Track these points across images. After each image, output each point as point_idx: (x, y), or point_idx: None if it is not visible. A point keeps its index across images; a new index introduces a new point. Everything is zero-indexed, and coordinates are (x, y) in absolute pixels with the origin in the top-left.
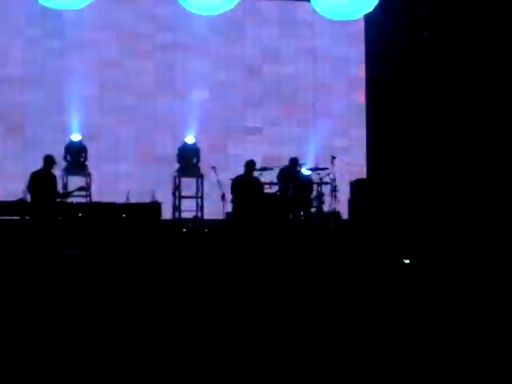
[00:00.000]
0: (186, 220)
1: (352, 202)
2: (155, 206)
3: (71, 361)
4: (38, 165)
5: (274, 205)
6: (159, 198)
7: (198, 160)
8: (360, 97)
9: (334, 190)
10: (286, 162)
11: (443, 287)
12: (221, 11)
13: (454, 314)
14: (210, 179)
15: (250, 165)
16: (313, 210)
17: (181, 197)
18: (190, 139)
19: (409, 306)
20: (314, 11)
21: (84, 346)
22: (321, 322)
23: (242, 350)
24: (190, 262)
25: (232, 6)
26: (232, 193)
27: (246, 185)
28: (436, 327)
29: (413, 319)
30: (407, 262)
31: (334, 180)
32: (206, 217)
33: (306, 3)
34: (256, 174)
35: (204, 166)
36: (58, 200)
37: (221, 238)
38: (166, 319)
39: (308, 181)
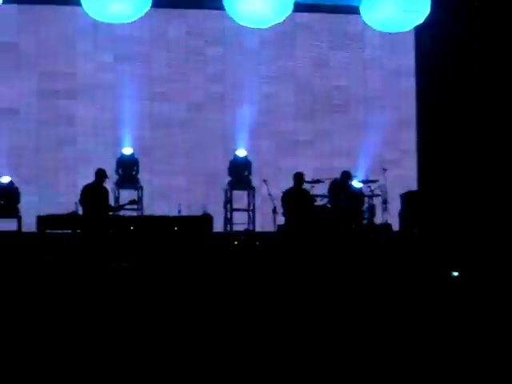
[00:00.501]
0: (238, 232)
1: (403, 214)
2: (207, 219)
3: (116, 364)
4: (90, 178)
5: (326, 217)
6: (211, 210)
7: (250, 173)
8: (410, 109)
9: (384, 202)
10: (337, 175)
11: (492, 299)
12: (271, 24)
13: (500, 327)
14: (261, 192)
15: (300, 177)
16: (364, 222)
17: (232, 209)
18: (241, 152)
19: (457, 319)
20: (364, 23)
21: (135, 356)
22: (371, 332)
23: (290, 360)
24: (242, 274)
25: (282, 19)
26: (283, 206)
27: (296, 197)
28: (482, 339)
29: (459, 332)
30: (456, 274)
31: (385, 192)
32: (257, 229)
33: (356, 16)
34: (307, 186)
35: (255, 179)
36: (109, 213)
37: (272, 251)
38: (216, 330)
39: (359, 193)
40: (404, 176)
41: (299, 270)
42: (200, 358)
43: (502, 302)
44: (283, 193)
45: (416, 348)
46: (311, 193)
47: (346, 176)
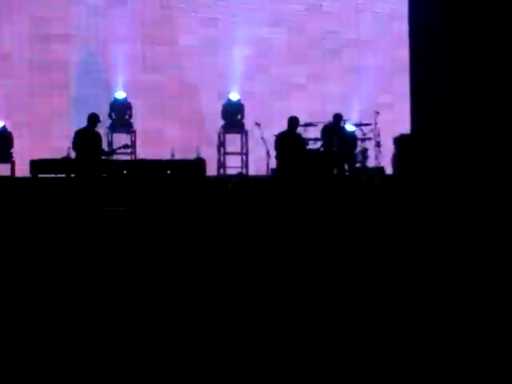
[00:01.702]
0: (231, 176)
1: (396, 158)
2: (200, 163)
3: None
4: (83, 123)
5: (319, 160)
6: (204, 154)
7: (243, 116)
8: (403, 52)
9: (377, 145)
10: (329, 118)
11: (487, 245)
12: None
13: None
14: (254, 135)
15: (293, 121)
16: (357, 165)
17: (225, 153)
18: (234, 96)
19: (452, 263)
20: None
21: (122, 305)
22: (362, 276)
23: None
24: (235, 218)
25: None
26: (276, 149)
27: (289, 141)
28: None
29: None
30: None
31: (377, 135)
32: (250, 173)
33: None
34: (300, 129)
35: (248, 123)
36: (102, 157)
37: (265, 194)
38: (209, 278)
39: (352, 136)
40: (397, 119)
41: (292, 214)
42: (195, 312)
43: (497, 246)
44: (276, 136)
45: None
46: (304, 136)
47: (338, 118)
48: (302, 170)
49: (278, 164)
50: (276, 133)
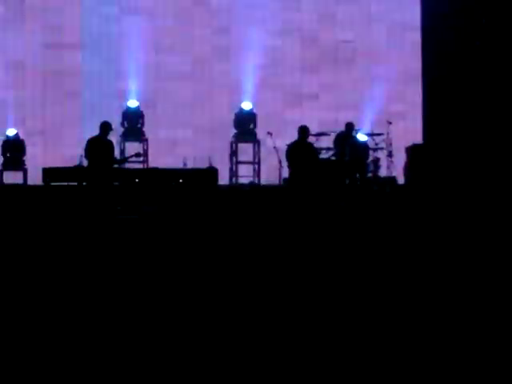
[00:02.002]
0: (243, 185)
1: (408, 168)
2: (212, 172)
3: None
4: (95, 131)
5: (331, 170)
6: (216, 163)
7: (255, 125)
8: (416, 62)
9: (389, 155)
10: (342, 128)
11: (495, 253)
12: None
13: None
14: (266, 145)
15: (304, 130)
16: (369, 174)
17: (237, 162)
18: (246, 105)
19: (459, 270)
20: None
21: (136, 311)
22: (376, 283)
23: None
24: (246, 227)
25: None
26: (287, 159)
27: (300, 150)
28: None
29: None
30: None
31: (389, 145)
32: (262, 182)
33: None
34: (312, 139)
35: (260, 132)
36: (114, 166)
37: (277, 203)
38: (222, 282)
39: (364, 146)
40: (409, 129)
41: (303, 223)
42: (204, 316)
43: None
44: (288, 146)
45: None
46: (316, 146)
47: (350, 127)
48: (313, 180)
49: (290, 174)
50: (288, 142)
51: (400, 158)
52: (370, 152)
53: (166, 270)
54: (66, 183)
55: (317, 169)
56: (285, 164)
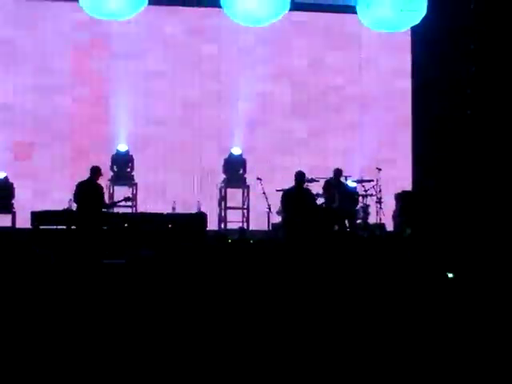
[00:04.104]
0: (232, 231)
1: (397, 214)
2: (201, 217)
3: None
4: (84, 174)
5: (320, 216)
6: (205, 208)
7: (245, 171)
8: (406, 109)
9: (379, 201)
10: (331, 174)
11: (486, 301)
12: (268, 23)
13: (497, 329)
14: (256, 190)
15: (301, 176)
16: (358, 221)
17: (226, 207)
18: (236, 150)
19: (450, 320)
20: (361, 23)
21: (126, 356)
22: (368, 332)
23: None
24: (235, 273)
25: (279, 18)
26: (282, 205)
27: (298, 197)
28: (475, 341)
29: (454, 332)
30: (451, 276)
31: (379, 192)
32: (251, 228)
33: (353, 15)
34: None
35: (250, 178)
36: (103, 210)
37: (267, 250)
38: (209, 329)
39: (353, 192)
40: (398, 176)
41: (297, 270)
42: (196, 359)
43: (498, 303)
44: (283, 191)
45: (413, 349)
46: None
47: (338, 173)
48: (309, 226)
49: (285, 219)
50: (278, 188)
51: (389, 205)
52: (360, 198)
53: (154, 316)
54: (54, 227)
55: (315, 215)
56: (274, 210)
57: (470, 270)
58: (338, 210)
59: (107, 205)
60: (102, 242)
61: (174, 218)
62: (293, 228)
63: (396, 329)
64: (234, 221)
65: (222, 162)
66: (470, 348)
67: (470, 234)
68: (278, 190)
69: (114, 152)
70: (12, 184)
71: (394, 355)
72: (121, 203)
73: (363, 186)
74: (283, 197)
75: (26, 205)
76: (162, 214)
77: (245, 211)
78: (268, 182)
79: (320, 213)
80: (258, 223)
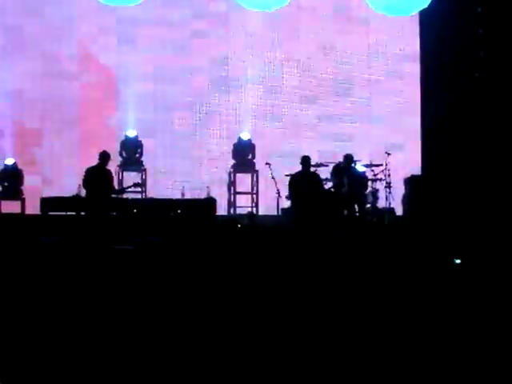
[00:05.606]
0: (241, 216)
1: (407, 199)
2: (210, 202)
3: (125, 356)
4: (94, 160)
5: (329, 201)
6: (214, 193)
7: (254, 156)
8: (415, 93)
9: (388, 186)
10: (340, 159)
11: (494, 287)
12: (276, 7)
13: (502, 316)
14: (264, 175)
15: (308, 160)
16: (367, 206)
17: (236, 193)
18: (245, 135)
19: (458, 307)
20: (369, 7)
21: (133, 340)
22: (372, 317)
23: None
24: (245, 257)
25: (287, 2)
26: (290, 189)
27: (305, 181)
28: (484, 326)
29: (462, 319)
30: (458, 261)
31: (388, 176)
32: (260, 213)
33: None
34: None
35: (259, 162)
36: (113, 196)
37: (275, 234)
38: (219, 314)
39: (362, 177)
40: (408, 160)
41: (305, 255)
42: (201, 346)
43: (505, 290)
44: (291, 176)
45: (418, 338)
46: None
47: (349, 159)
48: (317, 210)
49: (293, 204)
50: (287, 172)
51: (399, 190)
52: (369, 183)
53: (162, 302)
54: (64, 213)
55: (322, 199)
56: (283, 194)
57: (478, 256)
58: (347, 194)
59: (116, 190)
60: (111, 227)
61: (184, 203)
62: (301, 212)
63: (402, 316)
64: (244, 206)
65: (231, 147)
66: (476, 334)
67: (478, 219)
68: (286, 175)
69: (123, 138)
70: (21, 170)
71: (403, 339)
72: (130, 189)
73: (372, 171)
74: (290, 181)
75: (35, 191)
76: (171, 200)
77: (254, 196)
78: (277, 167)
79: (328, 197)
80: (268, 208)
